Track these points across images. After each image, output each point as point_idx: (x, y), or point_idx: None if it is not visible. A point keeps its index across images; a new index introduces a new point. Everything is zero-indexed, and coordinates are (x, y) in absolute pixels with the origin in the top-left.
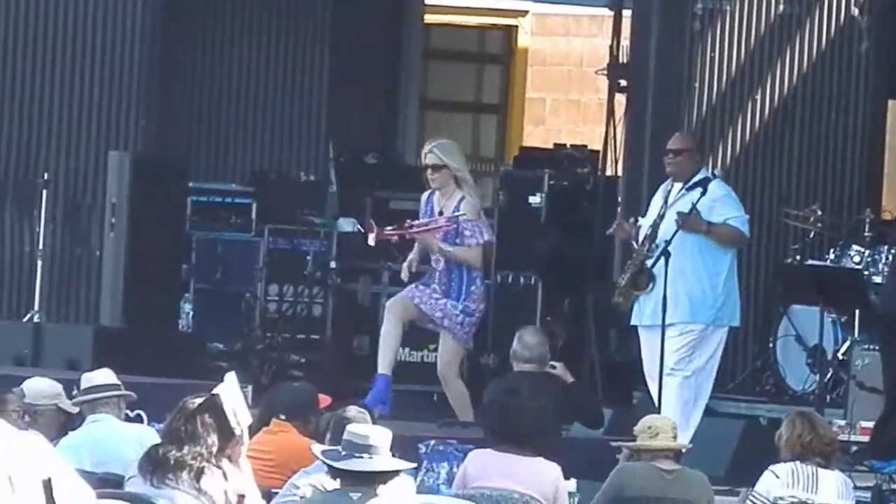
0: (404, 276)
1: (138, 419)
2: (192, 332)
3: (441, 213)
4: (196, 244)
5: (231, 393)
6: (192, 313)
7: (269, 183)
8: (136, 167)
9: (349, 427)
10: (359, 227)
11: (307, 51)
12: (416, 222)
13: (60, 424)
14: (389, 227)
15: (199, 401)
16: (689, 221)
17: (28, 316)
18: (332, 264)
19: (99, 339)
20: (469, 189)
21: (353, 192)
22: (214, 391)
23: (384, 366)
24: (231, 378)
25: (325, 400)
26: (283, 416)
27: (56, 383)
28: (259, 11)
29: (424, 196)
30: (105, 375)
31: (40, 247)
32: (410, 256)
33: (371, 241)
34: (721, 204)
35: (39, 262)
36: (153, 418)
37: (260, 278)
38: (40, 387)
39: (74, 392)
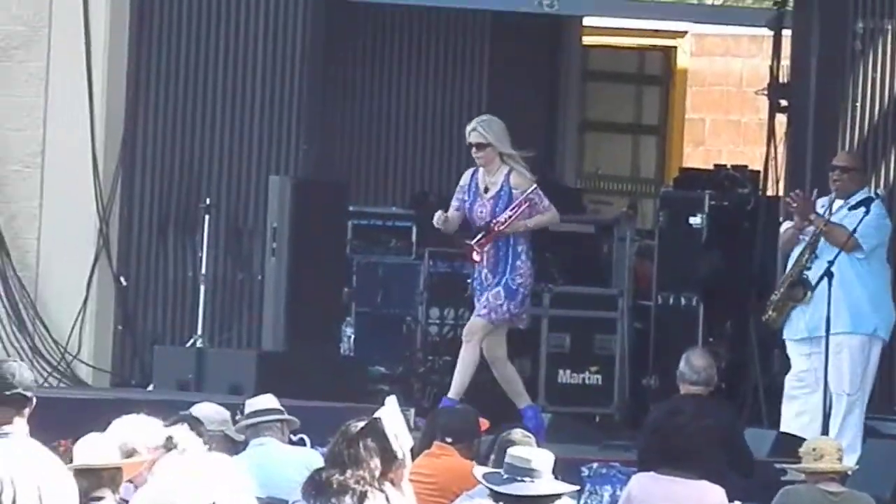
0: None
1: (301, 443)
2: (354, 355)
3: (486, 190)
4: (357, 268)
5: (393, 416)
6: (353, 337)
7: (428, 206)
8: (297, 191)
9: (511, 450)
10: (469, 252)
11: (466, 72)
12: (500, 219)
13: (226, 449)
14: (478, 237)
15: (361, 424)
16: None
17: (191, 341)
18: None
19: (261, 364)
20: (514, 162)
21: None
22: (376, 415)
23: (453, 391)
24: (393, 401)
25: (483, 423)
26: (445, 440)
27: (223, 409)
28: (418, 34)
29: (466, 175)
30: (268, 400)
31: (203, 272)
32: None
33: (476, 257)
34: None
35: (202, 287)
36: (316, 442)
37: (421, 301)
38: (208, 412)
39: (238, 416)
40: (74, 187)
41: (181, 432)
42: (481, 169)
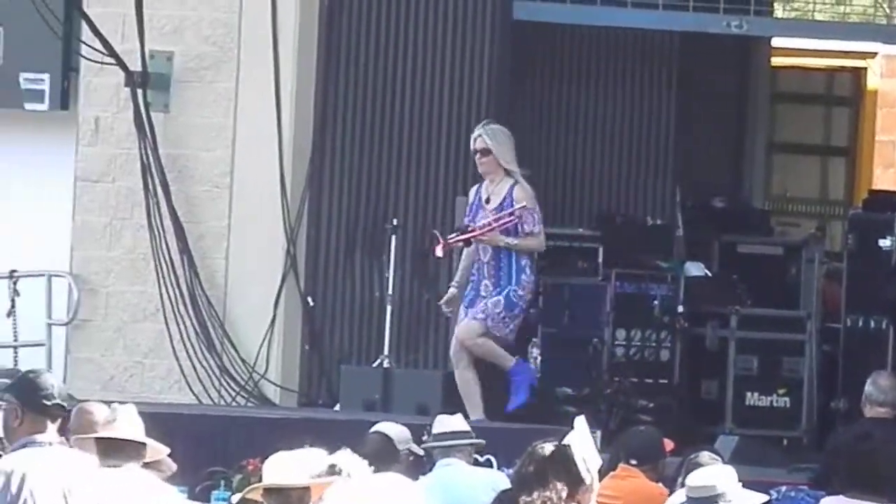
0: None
1: (488, 464)
2: (541, 376)
3: (488, 201)
4: (543, 289)
5: (581, 438)
6: (539, 358)
7: (615, 227)
8: None
9: (690, 479)
10: (434, 243)
11: (654, 94)
12: (479, 224)
13: (412, 468)
14: (453, 235)
15: (548, 446)
16: None
17: (378, 361)
18: (680, 308)
19: (447, 384)
20: (518, 176)
21: (700, 235)
22: (565, 441)
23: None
24: (581, 423)
25: (668, 444)
26: (631, 462)
27: (405, 429)
28: (605, 56)
29: (472, 192)
30: (458, 422)
31: (389, 292)
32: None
33: (439, 252)
34: None
35: (389, 308)
36: (502, 463)
37: (607, 323)
38: (393, 432)
39: (424, 437)
40: (262, 207)
41: (345, 457)
42: (485, 182)
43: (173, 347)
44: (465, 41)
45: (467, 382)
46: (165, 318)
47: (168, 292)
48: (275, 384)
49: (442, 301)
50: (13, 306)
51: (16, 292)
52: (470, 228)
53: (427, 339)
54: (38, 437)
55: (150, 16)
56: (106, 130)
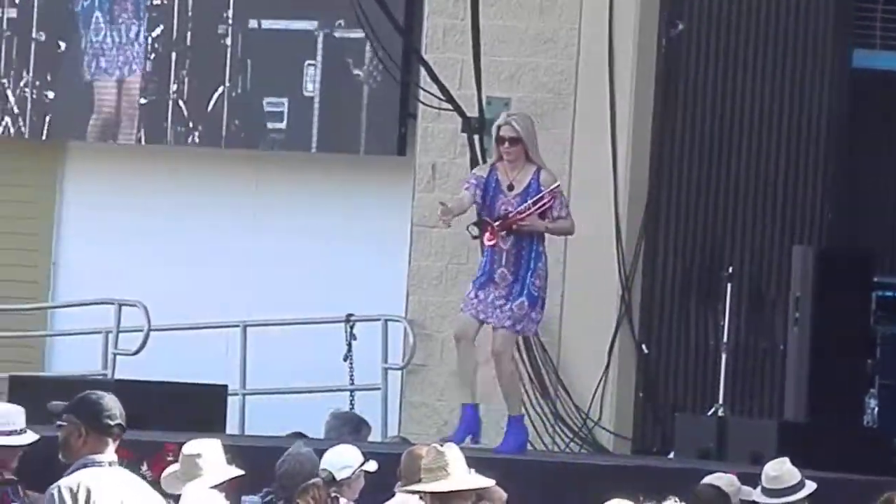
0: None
1: None
2: (877, 427)
3: (511, 188)
4: (881, 339)
5: None
6: (877, 409)
7: None
8: (820, 261)
9: None
10: (484, 231)
11: None
12: (521, 208)
13: None
14: (496, 223)
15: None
16: None
17: (713, 409)
18: None
19: (783, 433)
20: (540, 161)
21: None
22: None
23: (469, 395)
24: None
25: None
26: None
27: (734, 478)
28: None
29: (484, 168)
30: (789, 473)
31: (724, 340)
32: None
33: (487, 241)
34: None
35: (723, 356)
36: None
37: None
38: (723, 482)
39: (757, 487)
40: (597, 253)
41: None
42: (500, 165)
43: None
44: (804, 89)
45: (511, 375)
46: None
47: None
48: (609, 431)
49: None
50: (350, 350)
51: (352, 336)
52: (512, 213)
53: (762, 388)
54: (98, 457)
55: (488, 62)
56: (442, 176)
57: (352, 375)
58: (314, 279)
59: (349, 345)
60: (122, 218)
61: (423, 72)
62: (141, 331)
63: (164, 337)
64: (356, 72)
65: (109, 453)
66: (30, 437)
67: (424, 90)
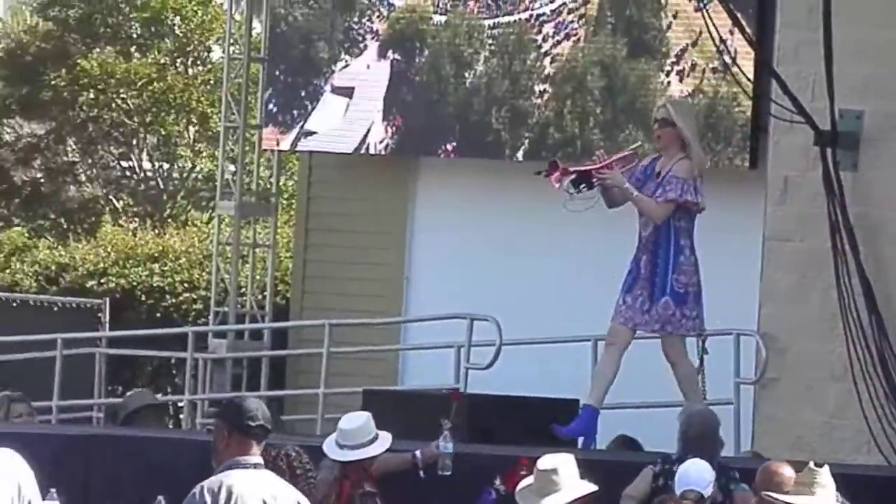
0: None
1: None
2: None
3: (658, 175)
4: None
5: None
6: None
7: None
8: None
9: None
10: (552, 170)
11: None
12: (605, 161)
13: None
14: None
15: None
16: None
17: None
18: None
19: None
20: (693, 152)
21: None
22: None
23: (596, 399)
24: None
25: None
26: None
27: None
28: None
29: (650, 157)
30: None
31: None
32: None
33: (554, 181)
34: None
35: None
36: None
37: None
38: None
39: None
40: None
41: None
42: (662, 158)
43: (862, 408)
44: None
45: (687, 377)
46: (854, 378)
47: (856, 352)
48: None
49: None
50: (702, 364)
51: (704, 350)
52: (594, 167)
53: None
54: (243, 459)
55: (840, 74)
56: (794, 190)
57: (704, 390)
58: None
59: (701, 359)
60: (472, 233)
61: (774, 84)
62: (493, 345)
63: (515, 350)
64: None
65: (254, 455)
66: (379, 445)
67: (777, 103)
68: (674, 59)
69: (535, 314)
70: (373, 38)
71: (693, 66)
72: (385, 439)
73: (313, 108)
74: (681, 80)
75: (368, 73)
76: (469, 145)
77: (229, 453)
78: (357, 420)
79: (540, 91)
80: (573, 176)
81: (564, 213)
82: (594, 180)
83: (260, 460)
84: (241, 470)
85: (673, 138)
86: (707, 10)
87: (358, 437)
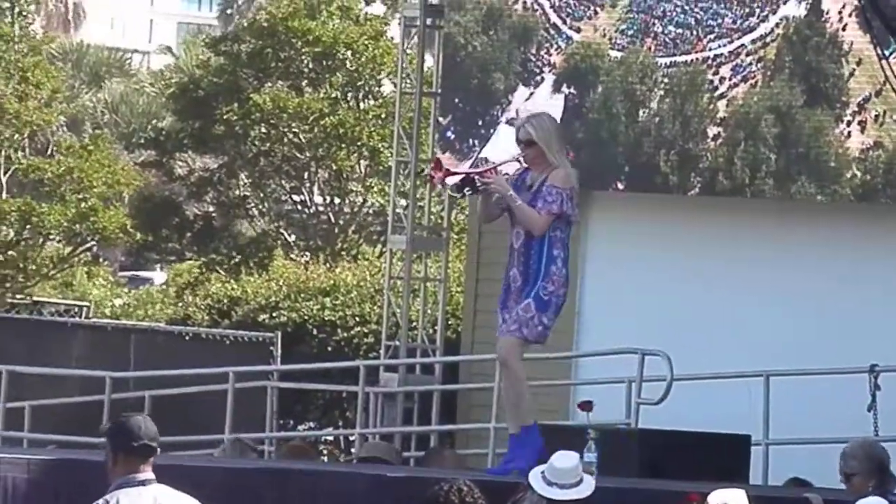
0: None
1: None
2: None
3: (530, 187)
4: None
5: None
6: None
7: None
8: None
9: None
10: (435, 169)
11: None
12: (488, 166)
13: None
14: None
15: None
16: None
17: None
18: None
19: None
20: (561, 161)
21: None
22: None
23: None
24: None
25: None
26: None
27: None
28: None
29: (515, 172)
30: None
31: None
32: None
33: (437, 182)
34: None
35: None
36: None
37: None
38: None
39: None
40: None
41: None
42: (532, 170)
43: None
44: None
45: (515, 385)
46: None
47: None
48: None
49: None
50: (874, 401)
51: (877, 386)
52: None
53: None
54: (131, 477)
55: None
56: None
57: (876, 426)
58: (836, 328)
59: (873, 395)
60: (644, 267)
61: None
62: (664, 380)
63: (686, 386)
64: None
65: (143, 472)
66: (586, 488)
67: None
68: (855, 109)
69: (706, 348)
70: (549, 71)
71: (876, 118)
72: (589, 484)
73: (488, 138)
74: (862, 131)
75: (544, 105)
76: (638, 186)
77: (118, 472)
78: (571, 460)
79: (713, 135)
80: (457, 179)
81: (739, 248)
82: (479, 185)
83: (149, 476)
84: (128, 488)
85: (537, 154)
86: (888, 60)
87: (569, 477)
